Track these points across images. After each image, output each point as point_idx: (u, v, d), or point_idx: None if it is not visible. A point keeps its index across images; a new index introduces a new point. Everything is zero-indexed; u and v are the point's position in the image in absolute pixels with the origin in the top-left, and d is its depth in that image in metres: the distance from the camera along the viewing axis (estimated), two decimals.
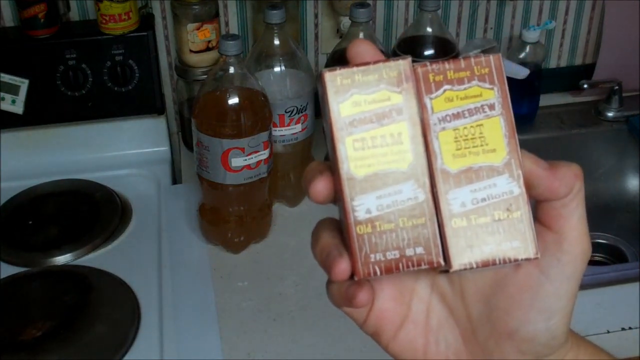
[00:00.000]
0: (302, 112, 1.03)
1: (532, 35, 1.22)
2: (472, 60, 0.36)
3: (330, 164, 0.38)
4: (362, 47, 0.37)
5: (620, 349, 0.85)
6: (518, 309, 0.38)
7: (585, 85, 1.27)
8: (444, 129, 0.36)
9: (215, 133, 0.92)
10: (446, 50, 1.06)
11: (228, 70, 0.92)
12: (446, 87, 0.36)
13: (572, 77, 1.33)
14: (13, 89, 1.11)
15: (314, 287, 0.95)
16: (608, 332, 0.86)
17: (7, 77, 1.11)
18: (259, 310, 0.92)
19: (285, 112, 1.02)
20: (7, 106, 1.12)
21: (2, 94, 1.11)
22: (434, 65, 0.36)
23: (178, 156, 1.26)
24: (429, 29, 1.06)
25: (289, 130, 1.03)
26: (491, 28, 1.32)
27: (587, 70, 1.35)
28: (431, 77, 0.36)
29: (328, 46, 1.20)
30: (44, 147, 1.18)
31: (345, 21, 1.15)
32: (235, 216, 1.00)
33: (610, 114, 1.31)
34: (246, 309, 0.92)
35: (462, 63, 0.36)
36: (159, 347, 0.86)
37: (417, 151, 0.36)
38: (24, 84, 1.11)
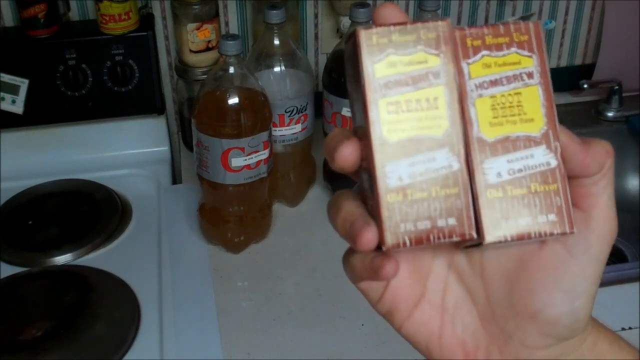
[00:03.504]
0: (302, 112, 1.03)
1: None
2: (512, 26, 0.35)
3: (355, 130, 0.36)
4: (389, 11, 0.35)
5: None
6: (542, 289, 0.36)
7: (585, 85, 1.27)
8: (480, 95, 0.35)
9: (215, 133, 0.92)
10: None
11: (228, 70, 0.92)
12: (484, 52, 0.35)
13: (572, 77, 1.33)
14: (13, 89, 1.11)
15: (314, 287, 0.95)
16: None
17: (7, 77, 1.11)
18: (259, 310, 0.92)
19: (285, 112, 1.02)
20: (7, 106, 1.12)
21: (2, 94, 1.11)
22: (472, 30, 0.35)
23: (178, 156, 1.26)
24: None
25: (289, 130, 1.03)
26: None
27: (587, 70, 1.35)
28: (469, 42, 0.35)
29: (328, 46, 1.20)
30: (44, 147, 1.18)
31: (345, 21, 1.15)
32: (235, 216, 1.00)
33: (610, 114, 1.31)
34: (246, 309, 0.92)
35: (501, 28, 0.35)
36: (159, 347, 0.86)
37: (453, 118, 0.34)
38: (24, 84, 1.11)
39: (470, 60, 0.35)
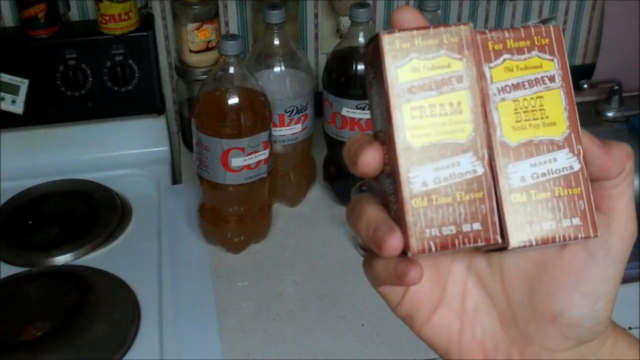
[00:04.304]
0: (302, 112, 1.03)
1: None
2: (532, 29, 0.35)
3: (375, 134, 0.36)
4: (408, 14, 0.35)
5: None
6: (563, 292, 0.36)
7: (585, 85, 1.27)
8: (503, 99, 0.35)
9: (215, 133, 0.92)
10: None
11: (228, 70, 0.92)
12: (506, 56, 0.35)
13: (572, 77, 1.32)
14: (13, 89, 1.11)
15: (314, 287, 0.95)
16: None
17: (7, 77, 1.11)
18: (259, 310, 0.92)
19: (285, 112, 1.02)
20: (7, 106, 1.12)
21: (2, 94, 1.11)
22: (494, 33, 0.35)
23: (178, 156, 1.26)
24: None
25: (289, 130, 1.03)
26: (491, 28, 1.31)
27: (587, 70, 1.35)
28: (490, 46, 0.35)
29: (328, 46, 1.20)
30: (44, 147, 1.18)
31: (345, 21, 1.15)
32: (235, 216, 1.00)
33: (610, 114, 1.31)
34: (246, 309, 0.92)
35: (522, 32, 0.35)
36: (159, 347, 0.86)
37: (477, 122, 0.34)
38: (24, 84, 1.11)
39: (492, 64, 0.35)
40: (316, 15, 1.23)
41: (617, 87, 1.29)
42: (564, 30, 1.35)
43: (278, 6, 0.98)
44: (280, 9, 0.97)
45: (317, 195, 1.13)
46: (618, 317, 0.95)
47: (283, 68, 1.01)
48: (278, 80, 1.01)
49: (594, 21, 1.34)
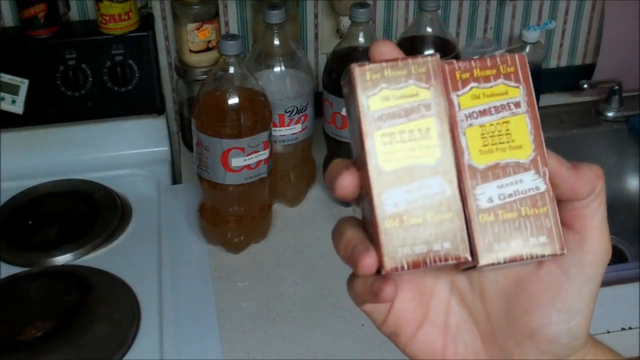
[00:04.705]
0: (302, 112, 1.03)
1: (532, 36, 1.22)
2: (498, 59, 0.37)
3: (354, 161, 0.38)
4: (384, 48, 0.37)
5: (620, 349, 0.85)
6: (539, 308, 0.38)
7: (585, 85, 1.27)
8: (471, 125, 0.36)
9: (215, 133, 0.92)
10: (446, 50, 1.05)
11: (228, 70, 0.92)
12: (473, 84, 0.36)
13: (572, 77, 1.33)
14: (13, 89, 1.11)
15: (314, 287, 0.95)
16: (608, 332, 0.86)
17: (7, 77, 1.11)
18: (259, 310, 0.92)
19: (285, 112, 1.02)
20: (7, 106, 1.12)
21: (2, 94, 1.11)
22: (461, 63, 0.37)
23: (178, 156, 1.26)
24: (429, 29, 1.06)
25: (289, 130, 1.03)
26: (491, 28, 1.32)
27: (587, 70, 1.35)
28: (458, 75, 0.36)
29: (328, 46, 1.20)
30: (44, 147, 1.18)
31: (345, 21, 1.15)
32: (235, 216, 1.00)
33: (610, 114, 1.31)
34: (246, 309, 0.92)
35: (488, 61, 0.37)
36: (159, 347, 0.86)
37: (445, 147, 0.36)
38: (24, 84, 1.11)
39: (459, 92, 0.36)
40: (316, 15, 1.23)
41: (617, 87, 1.29)
42: (564, 30, 1.35)
43: (278, 6, 0.98)
44: (280, 9, 0.97)
45: (317, 195, 1.13)
46: (618, 317, 0.95)
47: (283, 68, 1.01)
48: (278, 80, 1.01)
49: (594, 21, 1.34)
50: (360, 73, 0.36)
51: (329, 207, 1.10)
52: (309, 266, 0.99)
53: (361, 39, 1.00)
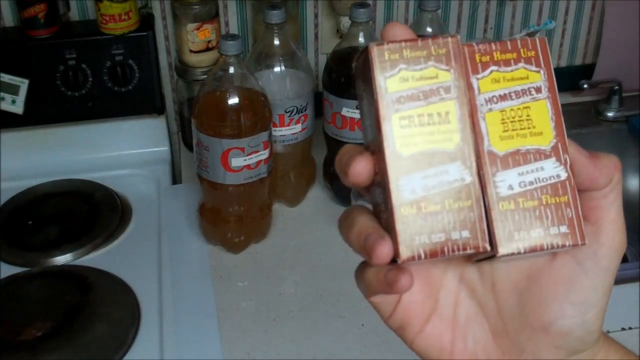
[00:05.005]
0: (302, 112, 1.03)
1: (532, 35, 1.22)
2: (519, 42, 0.36)
3: (366, 146, 0.36)
4: (398, 30, 0.36)
5: None
6: (553, 301, 0.37)
7: (585, 85, 1.27)
8: (490, 110, 0.35)
9: (215, 133, 0.92)
10: None
11: (228, 70, 0.92)
12: (493, 68, 0.35)
13: (572, 77, 1.33)
14: (13, 89, 1.11)
15: (314, 287, 0.95)
16: (608, 332, 0.86)
17: (7, 77, 1.11)
18: (259, 310, 0.92)
19: (285, 112, 1.02)
20: (7, 106, 1.12)
21: (2, 94, 1.11)
22: (481, 46, 0.35)
23: (178, 156, 1.26)
24: (429, 29, 1.06)
25: (289, 130, 1.03)
26: (491, 28, 1.32)
27: (587, 70, 1.35)
28: (478, 58, 0.35)
29: (328, 46, 1.20)
30: (44, 147, 1.18)
31: (345, 21, 1.14)
32: (235, 216, 1.00)
33: (610, 114, 1.31)
34: (246, 309, 0.92)
35: (509, 44, 0.36)
36: (159, 347, 0.86)
37: (465, 132, 0.35)
38: (24, 84, 1.11)
39: (479, 76, 0.35)
40: (316, 15, 1.23)
41: (617, 87, 1.29)
42: (564, 30, 1.35)
43: (278, 6, 0.98)
44: (280, 9, 0.97)
45: (317, 195, 1.13)
46: (618, 317, 0.95)
47: (283, 68, 1.01)
48: (278, 80, 1.01)
49: (594, 21, 1.34)
50: (379, 53, 0.34)
51: (329, 207, 1.10)
52: (309, 266, 0.99)
53: (361, 39, 1.00)
